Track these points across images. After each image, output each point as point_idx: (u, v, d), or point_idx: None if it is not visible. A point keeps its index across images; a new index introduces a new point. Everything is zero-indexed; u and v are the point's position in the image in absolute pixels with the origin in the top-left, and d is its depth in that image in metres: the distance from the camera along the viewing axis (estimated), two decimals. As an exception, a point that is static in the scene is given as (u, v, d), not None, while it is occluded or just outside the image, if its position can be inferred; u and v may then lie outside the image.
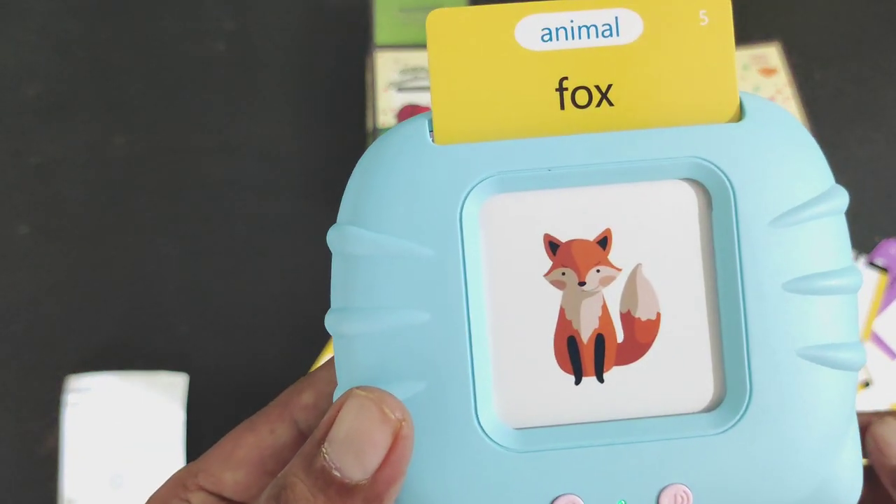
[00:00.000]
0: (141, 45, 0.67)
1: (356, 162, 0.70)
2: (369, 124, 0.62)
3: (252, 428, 0.25)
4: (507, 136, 0.22)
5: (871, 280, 0.60)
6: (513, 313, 0.22)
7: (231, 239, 0.63)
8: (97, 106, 0.65)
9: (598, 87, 0.22)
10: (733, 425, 0.21)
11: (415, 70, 0.63)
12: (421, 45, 0.64)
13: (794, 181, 0.22)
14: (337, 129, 0.66)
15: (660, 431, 0.22)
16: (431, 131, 0.22)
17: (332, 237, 0.22)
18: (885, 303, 0.59)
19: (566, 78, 0.22)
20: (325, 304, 0.68)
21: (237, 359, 0.60)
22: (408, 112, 0.62)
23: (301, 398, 0.25)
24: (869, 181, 0.64)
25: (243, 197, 0.64)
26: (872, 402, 0.56)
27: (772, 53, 0.66)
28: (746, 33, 0.67)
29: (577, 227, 0.22)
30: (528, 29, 0.22)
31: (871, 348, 0.58)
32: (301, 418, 0.25)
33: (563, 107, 0.22)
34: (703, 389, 0.22)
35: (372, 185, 0.22)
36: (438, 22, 0.22)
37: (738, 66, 0.65)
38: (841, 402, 0.22)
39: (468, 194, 0.21)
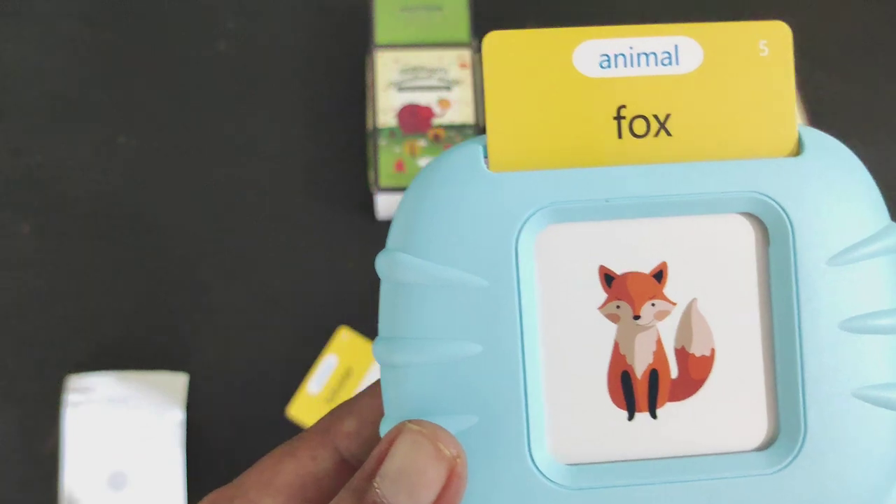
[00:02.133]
0: (144, 45, 0.67)
1: (357, 161, 0.70)
2: (370, 123, 0.62)
3: (292, 453, 0.24)
4: (563, 164, 0.21)
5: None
6: (566, 346, 0.22)
7: (232, 238, 0.63)
8: (100, 106, 0.66)
9: (656, 117, 0.21)
10: (787, 465, 0.21)
11: (415, 70, 0.63)
12: (421, 45, 0.63)
13: (852, 219, 0.21)
14: (338, 128, 0.66)
15: (712, 470, 0.21)
16: (486, 157, 0.21)
17: (382, 263, 0.22)
18: None
19: (624, 106, 0.21)
20: (326, 304, 0.67)
21: (237, 359, 0.60)
22: (408, 112, 0.62)
23: (343, 425, 0.24)
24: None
25: (244, 196, 0.64)
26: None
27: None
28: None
29: (632, 260, 0.22)
30: (586, 54, 0.21)
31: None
32: (343, 445, 0.24)
33: (620, 135, 0.21)
34: (757, 427, 0.22)
35: (424, 211, 0.21)
36: (495, 44, 0.21)
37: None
38: (893, 442, 0.21)
39: (524, 224, 0.21)
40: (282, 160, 0.65)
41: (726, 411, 0.22)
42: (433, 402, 0.21)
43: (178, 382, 0.58)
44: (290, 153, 0.65)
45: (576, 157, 0.21)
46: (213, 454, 0.58)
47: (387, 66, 0.63)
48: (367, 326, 0.60)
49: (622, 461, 0.21)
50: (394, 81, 0.62)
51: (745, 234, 0.22)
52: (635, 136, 0.21)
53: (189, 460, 0.57)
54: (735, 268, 0.22)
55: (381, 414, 0.22)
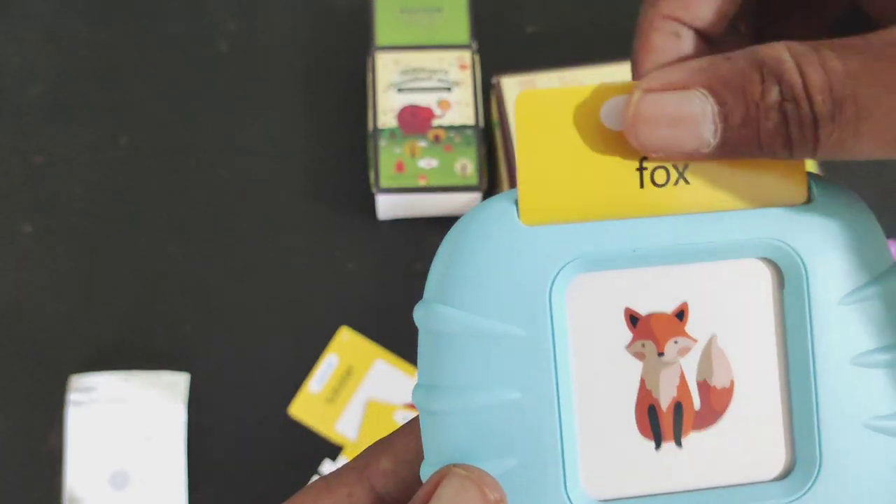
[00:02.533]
0: (144, 45, 0.68)
1: (358, 162, 0.70)
2: (370, 124, 0.62)
3: (329, 489, 0.25)
4: (591, 216, 0.22)
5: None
6: (597, 385, 0.23)
7: (233, 238, 0.63)
8: (101, 106, 0.66)
9: (676, 167, 0.22)
10: (804, 494, 0.22)
11: (415, 71, 0.63)
12: (421, 47, 0.64)
13: (860, 261, 0.22)
14: (338, 129, 0.66)
15: (736, 500, 0.23)
16: (517, 210, 0.22)
17: (420, 314, 0.22)
18: None
19: (646, 158, 0.22)
20: (327, 304, 0.67)
21: (239, 358, 0.60)
22: (408, 113, 0.62)
23: (379, 463, 0.25)
24: (869, 181, 0.64)
25: (245, 196, 0.64)
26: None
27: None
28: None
29: (655, 302, 0.23)
30: (612, 110, 0.22)
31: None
32: (379, 484, 0.24)
33: (642, 185, 0.22)
34: (775, 457, 0.23)
35: (460, 264, 0.22)
36: (527, 103, 0.22)
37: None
38: None
39: (557, 275, 0.22)
40: (283, 161, 0.65)
41: (746, 441, 0.23)
42: (473, 446, 0.22)
43: (179, 382, 0.58)
44: (291, 154, 0.65)
45: (602, 208, 0.22)
46: (214, 453, 0.58)
47: (387, 68, 0.63)
48: (368, 326, 0.60)
49: (651, 495, 0.23)
50: (394, 83, 0.63)
51: (762, 276, 0.23)
52: (656, 185, 0.22)
53: (191, 459, 0.57)
54: (752, 307, 0.23)
55: (417, 453, 0.23)
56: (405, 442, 0.25)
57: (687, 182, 0.22)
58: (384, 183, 0.60)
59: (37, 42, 0.67)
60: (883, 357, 0.22)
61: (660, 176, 0.22)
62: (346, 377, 0.59)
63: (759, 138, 0.20)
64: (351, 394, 0.59)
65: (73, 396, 0.57)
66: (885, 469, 0.22)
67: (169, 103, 0.66)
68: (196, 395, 0.58)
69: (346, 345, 0.60)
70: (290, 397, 0.59)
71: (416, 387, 0.22)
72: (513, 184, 0.59)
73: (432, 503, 0.20)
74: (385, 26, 0.64)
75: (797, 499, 0.22)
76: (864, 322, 0.22)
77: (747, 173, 0.22)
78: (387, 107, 0.62)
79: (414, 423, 0.24)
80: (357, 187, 0.63)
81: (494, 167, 0.64)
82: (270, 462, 0.58)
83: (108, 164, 0.64)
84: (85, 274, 0.62)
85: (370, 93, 0.63)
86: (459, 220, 0.23)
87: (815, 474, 0.22)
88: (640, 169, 0.22)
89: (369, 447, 0.25)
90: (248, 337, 0.61)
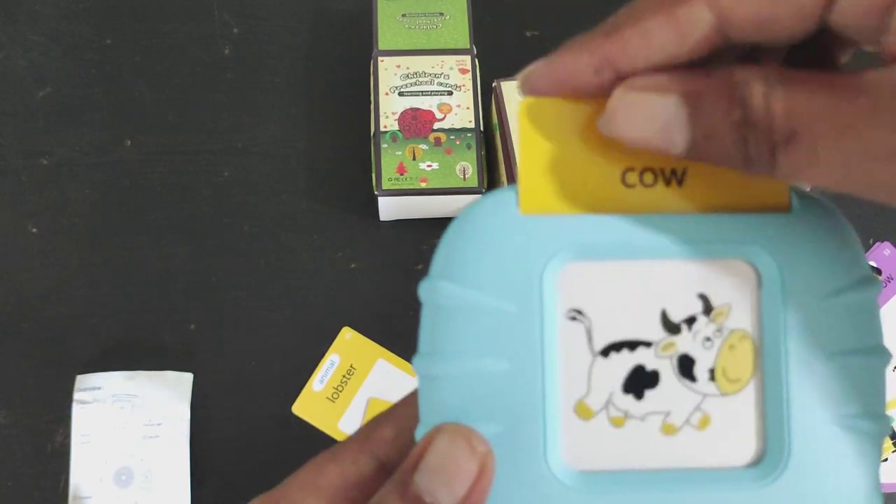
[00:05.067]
0: (149, 48, 0.68)
1: (360, 164, 0.71)
2: (372, 127, 0.63)
3: (334, 458, 0.26)
4: (585, 209, 0.24)
5: (864, 281, 0.60)
6: (583, 364, 0.24)
7: (237, 239, 0.63)
8: (106, 108, 0.66)
9: (663, 171, 0.24)
10: (773, 481, 0.24)
11: (416, 75, 0.64)
12: (422, 51, 0.64)
13: (834, 267, 0.24)
14: (340, 131, 0.67)
15: (707, 482, 0.24)
16: (517, 201, 0.24)
17: (424, 289, 0.24)
18: (879, 304, 0.60)
19: (637, 162, 0.24)
20: (329, 304, 0.68)
21: (242, 357, 0.61)
22: (409, 116, 0.62)
23: (382, 432, 0.26)
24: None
25: (249, 198, 0.64)
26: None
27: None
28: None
29: (641, 296, 0.24)
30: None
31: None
32: (381, 452, 0.26)
33: (632, 184, 0.24)
34: (748, 446, 0.24)
35: (463, 246, 0.24)
36: (529, 108, 0.24)
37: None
38: (867, 467, 0.24)
39: (549, 260, 0.24)
40: (286, 163, 0.65)
41: (722, 427, 0.24)
42: (463, 410, 0.23)
43: (183, 381, 0.59)
44: (295, 156, 0.66)
45: (595, 203, 0.24)
46: (218, 451, 0.58)
47: (388, 72, 0.63)
48: (370, 326, 0.61)
49: (628, 470, 0.24)
50: (395, 86, 0.63)
51: (743, 277, 0.24)
52: (644, 185, 0.24)
53: (195, 457, 0.57)
54: (732, 304, 0.24)
55: (417, 422, 0.24)
56: (406, 412, 0.26)
57: (680, 185, 0.24)
58: (385, 185, 0.60)
59: (43, 45, 0.68)
60: (853, 358, 0.24)
61: (648, 178, 0.24)
62: (349, 376, 0.60)
63: (720, 152, 0.21)
64: (353, 393, 0.59)
65: (78, 395, 0.57)
66: (851, 465, 0.24)
67: (173, 106, 0.67)
68: (200, 393, 0.59)
69: (349, 344, 0.60)
70: (294, 396, 0.59)
71: (416, 355, 0.24)
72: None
73: (426, 457, 0.22)
74: (387, 31, 0.65)
75: (766, 486, 0.24)
76: (836, 323, 0.24)
77: (734, 181, 0.24)
78: (388, 110, 0.62)
79: (414, 395, 0.25)
80: (359, 189, 0.64)
81: (494, 169, 0.64)
82: (274, 460, 0.58)
83: (113, 165, 0.65)
84: (90, 274, 0.62)
85: (372, 96, 0.64)
86: (464, 207, 0.25)
87: (783, 464, 0.24)
88: (630, 170, 0.24)
89: (372, 419, 0.27)
90: (252, 336, 0.61)
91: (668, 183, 0.24)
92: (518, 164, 0.24)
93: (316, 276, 0.63)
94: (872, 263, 0.62)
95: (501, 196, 0.24)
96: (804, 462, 0.24)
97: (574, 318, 0.24)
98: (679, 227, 0.24)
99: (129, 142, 0.65)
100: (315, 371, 0.59)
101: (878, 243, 0.63)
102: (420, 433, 0.23)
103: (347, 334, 0.60)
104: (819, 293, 0.24)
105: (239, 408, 0.59)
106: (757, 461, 0.24)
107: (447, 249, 0.24)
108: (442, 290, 0.24)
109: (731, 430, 0.24)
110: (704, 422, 0.24)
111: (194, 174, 0.65)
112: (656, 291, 0.24)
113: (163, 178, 0.65)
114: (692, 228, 0.24)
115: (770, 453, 0.24)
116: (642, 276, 0.24)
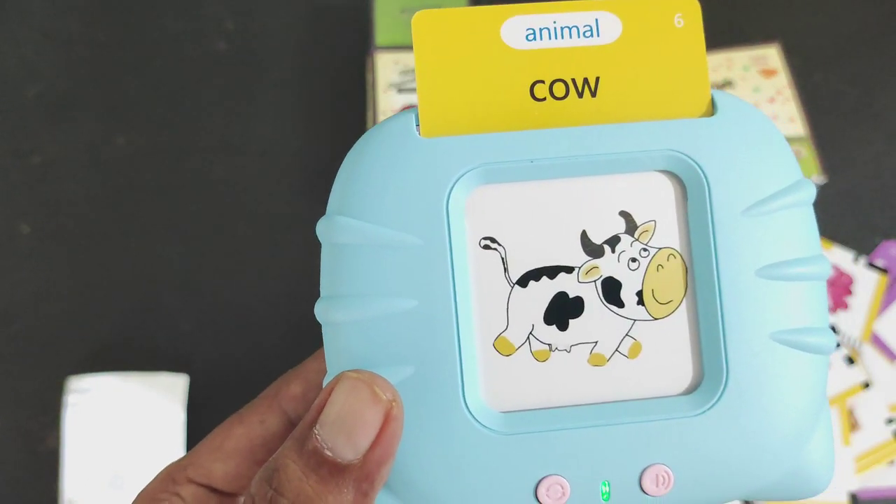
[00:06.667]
0: (142, 44, 0.67)
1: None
2: (369, 124, 0.62)
3: (241, 420, 0.25)
4: (491, 129, 0.22)
5: (871, 281, 0.60)
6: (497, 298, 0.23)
7: (231, 239, 0.63)
8: (98, 106, 0.66)
9: (585, 80, 0.23)
10: (711, 407, 0.22)
11: (414, 71, 0.63)
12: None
13: (763, 173, 0.22)
14: (337, 129, 0.66)
15: (641, 413, 0.22)
16: (418, 125, 0.22)
17: (322, 227, 0.23)
18: (885, 304, 0.59)
19: (547, 74, 0.23)
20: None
21: (238, 359, 0.60)
22: (408, 113, 0.62)
23: (290, 389, 0.26)
24: (868, 182, 0.64)
25: (244, 196, 0.64)
26: (872, 402, 0.56)
27: (772, 55, 0.66)
28: (747, 34, 0.67)
29: (559, 218, 0.23)
30: (513, 29, 0.23)
31: (870, 349, 0.58)
32: (290, 408, 0.25)
33: (542, 98, 0.23)
34: (683, 372, 0.23)
35: (360, 176, 0.22)
36: (424, 22, 0.22)
37: (739, 66, 0.65)
38: (813, 386, 0.22)
39: (454, 185, 0.22)
40: (281, 160, 0.65)
41: (654, 357, 0.23)
42: (372, 355, 0.22)
43: (178, 383, 0.58)
44: (290, 153, 0.65)
45: (502, 121, 0.22)
46: (213, 455, 0.58)
47: (387, 68, 0.63)
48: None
49: (554, 407, 0.22)
50: (393, 83, 0.63)
51: (665, 190, 0.23)
52: (555, 98, 0.23)
53: (189, 461, 0.57)
54: (657, 221, 0.23)
55: (325, 375, 0.23)
56: (314, 366, 0.25)
57: (594, 95, 0.23)
58: (383, 183, 0.60)
59: (34, 42, 0.67)
60: (789, 270, 0.22)
61: (559, 89, 0.23)
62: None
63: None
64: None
65: (70, 398, 0.57)
66: (792, 384, 0.22)
67: (167, 103, 0.66)
68: (195, 395, 0.58)
69: (346, 346, 0.59)
70: (289, 398, 0.58)
71: (318, 301, 0.22)
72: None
73: (326, 408, 0.21)
74: (385, 26, 0.64)
75: (704, 412, 0.22)
76: (768, 234, 0.22)
77: (652, 87, 0.23)
78: (386, 107, 0.62)
79: (322, 350, 0.24)
80: (356, 187, 0.63)
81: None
82: (269, 463, 0.58)
83: (105, 164, 0.64)
84: (83, 274, 0.61)
85: (370, 92, 0.63)
86: (363, 135, 0.23)
87: (721, 388, 0.22)
88: (540, 82, 0.23)
89: (281, 376, 0.26)
90: (247, 337, 0.60)
91: (581, 94, 0.22)
92: (417, 84, 0.22)
93: (312, 275, 0.62)
94: (879, 263, 0.61)
95: (400, 120, 0.22)
96: (743, 385, 0.22)
97: (487, 247, 0.22)
98: (595, 141, 0.22)
99: (121, 139, 0.65)
100: (312, 373, 0.59)
101: (884, 242, 0.63)
102: (326, 382, 0.22)
103: (345, 335, 0.60)
104: (750, 202, 0.22)
105: (233, 410, 0.59)
106: (694, 388, 0.23)
107: (343, 182, 0.22)
108: (340, 227, 0.22)
109: (665, 357, 0.23)
110: (635, 349, 0.23)
111: (188, 172, 0.64)
112: (574, 212, 0.22)
113: (156, 176, 0.64)
114: (609, 141, 0.22)
115: (707, 379, 0.22)
116: (558, 196, 0.22)
